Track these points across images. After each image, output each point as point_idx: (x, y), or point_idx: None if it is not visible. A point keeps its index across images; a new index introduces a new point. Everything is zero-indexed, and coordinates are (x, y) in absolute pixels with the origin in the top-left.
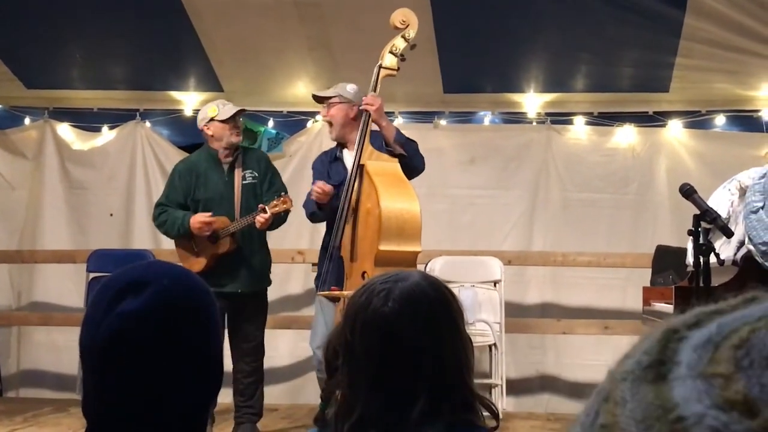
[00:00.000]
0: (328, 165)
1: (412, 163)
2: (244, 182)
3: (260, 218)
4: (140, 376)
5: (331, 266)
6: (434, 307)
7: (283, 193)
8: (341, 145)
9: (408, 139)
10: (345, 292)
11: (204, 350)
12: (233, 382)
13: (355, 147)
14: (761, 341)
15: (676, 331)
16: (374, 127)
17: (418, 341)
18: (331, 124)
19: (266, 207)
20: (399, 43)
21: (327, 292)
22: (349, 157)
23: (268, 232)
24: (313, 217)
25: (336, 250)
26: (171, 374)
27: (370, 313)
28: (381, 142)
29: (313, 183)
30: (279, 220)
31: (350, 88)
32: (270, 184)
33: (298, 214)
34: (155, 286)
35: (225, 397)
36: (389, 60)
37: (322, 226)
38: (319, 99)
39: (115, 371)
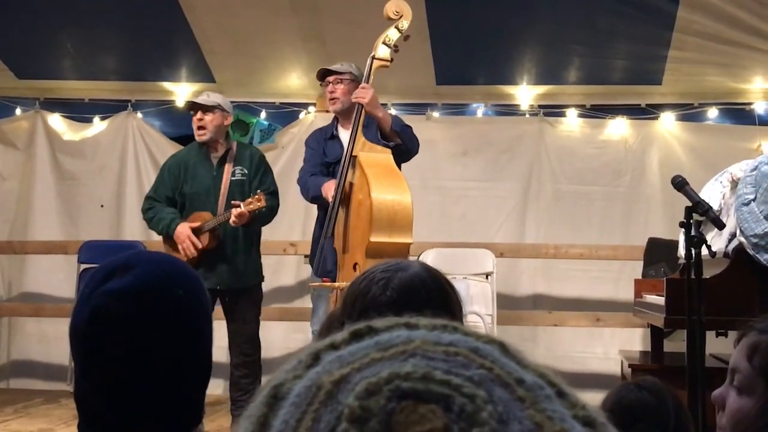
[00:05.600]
0: (323, 143)
1: (408, 149)
2: (232, 178)
3: (234, 212)
4: (123, 354)
5: (326, 252)
6: (433, 298)
7: (259, 191)
8: (336, 121)
9: (404, 125)
10: (336, 284)
11: (190, 332)
12: (230, 375)
13: (348, 138)
14: (329, 411)
15: (280, 386)
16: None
17: None
18: (335, 99)
19: (241, 203)
20: (392, 34)
21: (319, 284)
22: (345, 135)
23: (259, 230)
24: (314, 201)
25: (329, 240)
26: (154, 353)
27: (369, 300)
28: (375, 133)
29: (305, 160)
30: (261, 218)
31: (356, 68)
32: (260, 183)
33: (290, 206)
34: (141, 268)
35: (215, 389)
36: (382, 51)
37: (314, 218)
38: (326, 73)
39: (98, 348)
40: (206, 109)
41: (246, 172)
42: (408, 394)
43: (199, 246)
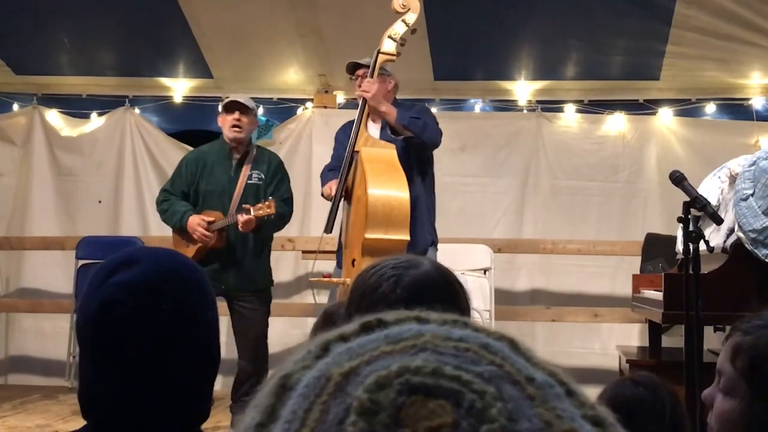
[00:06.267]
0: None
1: (421, 140)
2: (248, 181)
3: (241, 218)
4: (134, 345)
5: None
6: (442, 298)
7: (270, 198)
8: (367, 116)
9: (412, 117)
10: (334, 279)
11: (197, 319)
12: (236, 375)
13: (351, 133)
14: (338, 403)
15: (289, 376)
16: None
17: None
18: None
19: (251, 208)
20: (399, 28)
21: (318, 279)
22: (374, 130)
23: (270, 236)
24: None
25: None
26: (165, 343)
27: (378, 297)
28: (383, 126)
29: (334, 152)
30: (269, 225)
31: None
32: (275, 189)
33: None
34: (145, 261)
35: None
36: (388, 45)
37: (314, 214)
38: (356, 67)
39: (109, 340)
40: (246, 110)
41: (263, 176)
42: (418, 389)
43: (211, 233)
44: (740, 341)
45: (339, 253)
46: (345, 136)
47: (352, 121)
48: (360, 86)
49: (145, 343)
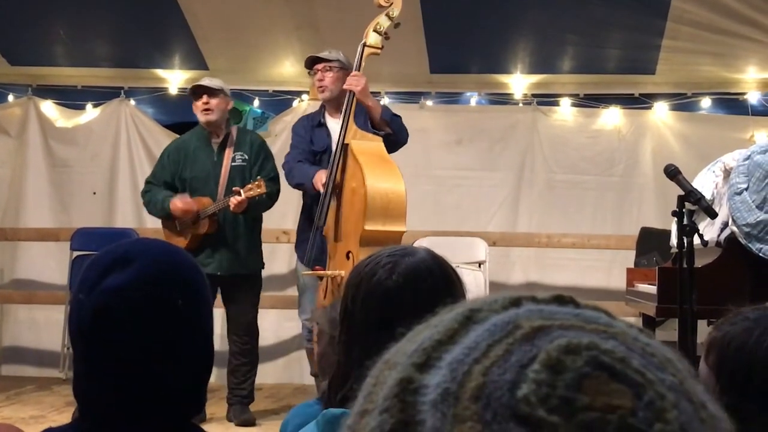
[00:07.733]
0: (311, 131)
1: (397, 139)
2: (233, 164)
3: (233, 200)
4: (128, 351)
5: (316, 241)
6: (437, 285)
7: (259, 177)
8: (324, 109)
9: (393, 114)
10: (328, 272)
11: (193, 324)
12: (227, 363)
13: (340, 126)
14: (497, 385)
15: (411, 381)
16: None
17: (419, 316)
18: (324, 87)
19: (241, 190)
20: (383, 21)
21: (311, 272)
22: (333, 123)
23: (259, 216)
24: (298, 187)
25: (320, 229)
26: (159, 349)
27: (374, 283)
28: (364, 120)
29: (293, 146)
30: (259, 205)
31: (345, 56)
32: (260, 169)
33: (282, 194)
34: (140, 262)
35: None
36: (373, 38)
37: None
38: (315, 61)
39: (102, 347)
40: (212, 92)
41: (246, 157)
42: (604, 367)
43: (194, 215)
44: (713, 338)
45: (302, 246)
46: (304, 130)
47: (308, 116)
48: (320, 80)
49: (140, 347)
